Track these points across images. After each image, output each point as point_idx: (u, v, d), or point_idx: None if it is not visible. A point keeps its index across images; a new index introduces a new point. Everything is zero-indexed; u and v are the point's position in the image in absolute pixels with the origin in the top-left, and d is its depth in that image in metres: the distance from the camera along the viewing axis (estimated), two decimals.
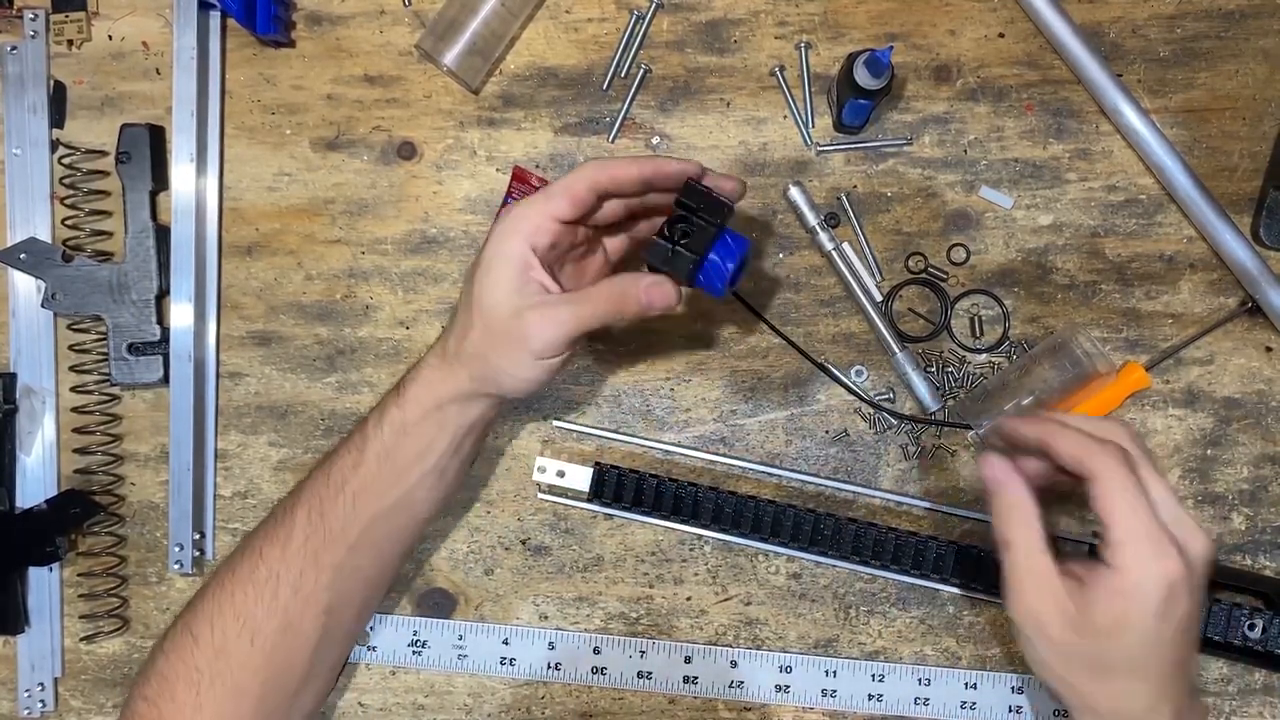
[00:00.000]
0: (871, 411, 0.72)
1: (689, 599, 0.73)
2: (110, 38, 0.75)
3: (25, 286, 0.74)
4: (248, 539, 0.63)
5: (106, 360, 0.73)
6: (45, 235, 0.73)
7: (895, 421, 0.72)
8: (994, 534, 0.55)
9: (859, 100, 0.66)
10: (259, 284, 0.74)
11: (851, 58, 0.65)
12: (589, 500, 0.71)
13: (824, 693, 0.72)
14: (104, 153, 0.74)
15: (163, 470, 0.74)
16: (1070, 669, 0.52)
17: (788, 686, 0.72)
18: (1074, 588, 0.51)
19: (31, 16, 0.73)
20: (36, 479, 0.74)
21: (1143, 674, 0.51)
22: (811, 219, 0.71)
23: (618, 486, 0.70)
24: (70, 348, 0.74)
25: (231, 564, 0.62)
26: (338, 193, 0.74)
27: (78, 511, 0.72)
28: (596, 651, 0.73)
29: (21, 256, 0.72)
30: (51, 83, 0.74)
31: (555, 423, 0.73)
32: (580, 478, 0.70)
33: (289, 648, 0.60)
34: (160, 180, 0.73)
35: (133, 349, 0.72)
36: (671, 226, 0.58)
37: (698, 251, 0.57)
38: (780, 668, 0.72)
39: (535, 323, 0.56)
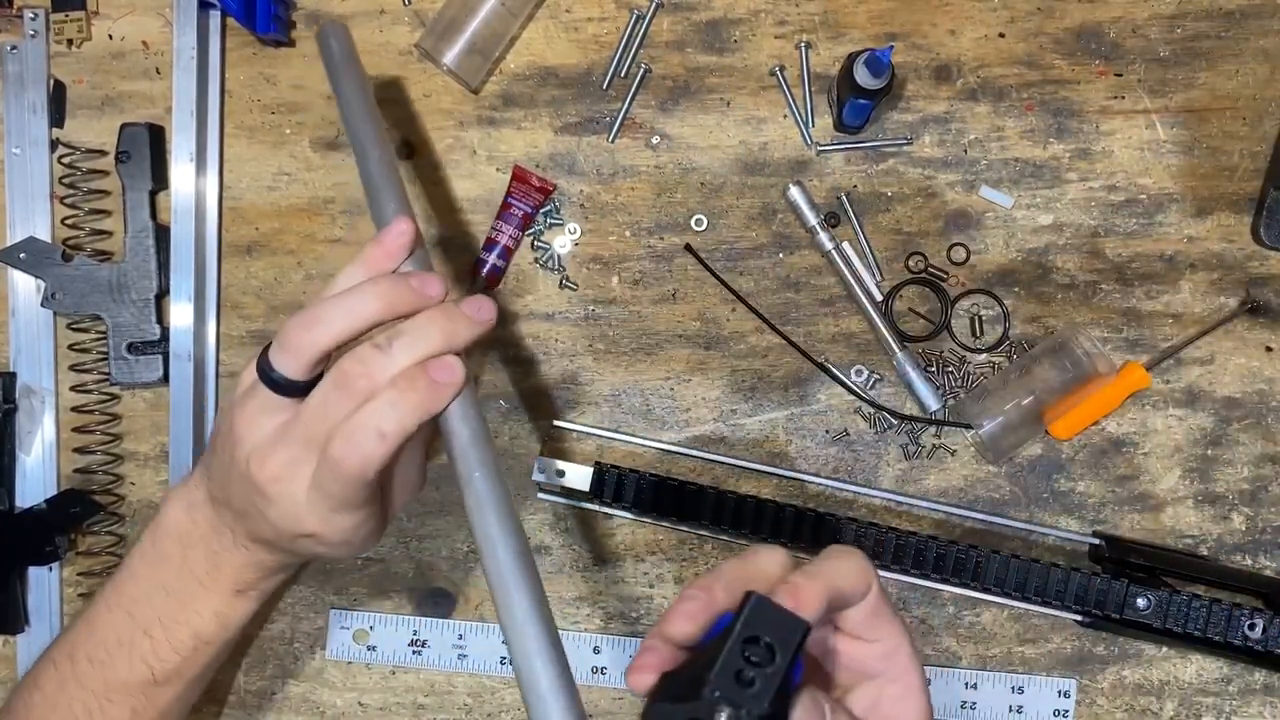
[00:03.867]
0: (872, 411, 0.72)
1: None
2: (110, 37, 0.74)
3: (25, 286, 0.74)
4: None
5: (106, 360, 0.73)
6: (45, 235, 0.73)
7: (895, 421, 0.72)
8: None
9: (859, 100, 0.66)
10: (259, 284, 0.74)
11: (851, 57, 0.65)
12: (589, 500, 0.71)
13: None
14: (104, 152, 0.74)
15: (163, 470, 0.74)
16: None
17: None
18: None
19: (31, 16, 0.73)
20: (36, 479, 0.74)
21: None
22: (811, 219, 0.71)
23: (618, 486, 0.69)
24: (70, 347, 0.74)
25: None
26: (338, 192, 0.74)
27: (77, 511, 0.72)
28: (596, 651, 0.73)
29: (21, 256, 0.72)
30: (51, 82, 0.74)
31: (555, 422, 0.73)
32: (580, 477, 0.70)
33: None
34: (160, 180, 0.73)
35: (132, 348, 0.72)
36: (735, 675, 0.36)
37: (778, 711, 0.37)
38: None
39: None
